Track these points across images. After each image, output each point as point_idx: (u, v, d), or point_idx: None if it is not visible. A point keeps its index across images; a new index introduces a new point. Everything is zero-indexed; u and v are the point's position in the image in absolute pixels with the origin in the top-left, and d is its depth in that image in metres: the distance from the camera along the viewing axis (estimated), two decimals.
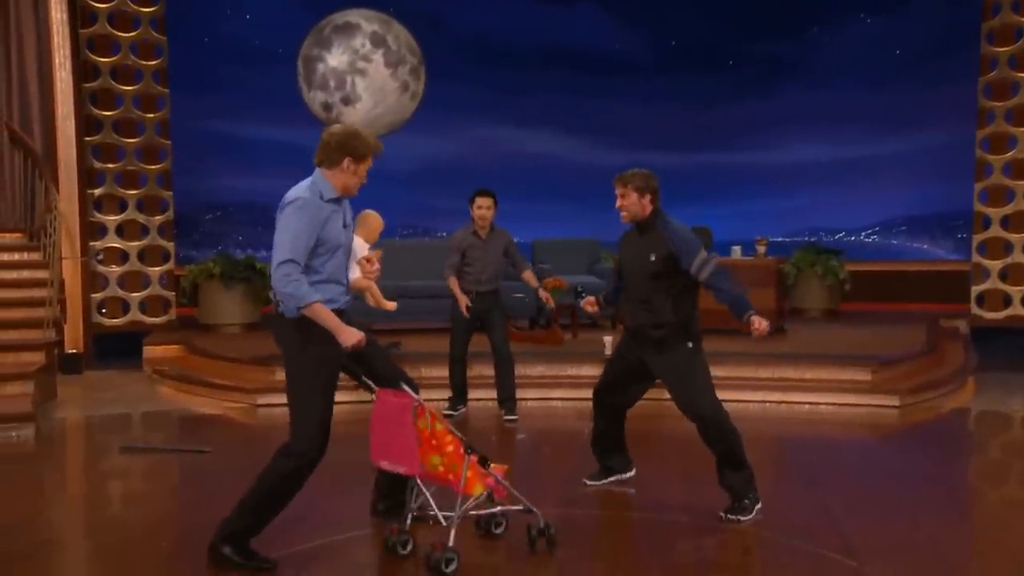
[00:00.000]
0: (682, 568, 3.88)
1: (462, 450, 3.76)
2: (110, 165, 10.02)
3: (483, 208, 6.68)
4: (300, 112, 7.49)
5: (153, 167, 10.21)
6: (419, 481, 3.87)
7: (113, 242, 10.04)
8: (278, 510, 3.80)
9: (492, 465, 3.85)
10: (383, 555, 3.96)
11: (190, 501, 5.06)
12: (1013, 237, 9.78)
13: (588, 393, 7.38)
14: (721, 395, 7.25)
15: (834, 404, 7.13)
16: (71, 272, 9.33)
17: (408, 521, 3.94)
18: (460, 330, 6.80)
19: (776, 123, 13.56)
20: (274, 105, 12.11)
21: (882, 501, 4.86)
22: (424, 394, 4.08)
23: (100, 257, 10.01)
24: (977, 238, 9.95)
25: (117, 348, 9.68)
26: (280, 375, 7.71)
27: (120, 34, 9.99)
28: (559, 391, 7.59)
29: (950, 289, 11.05)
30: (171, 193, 10.36)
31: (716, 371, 7.64)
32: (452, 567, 3.63)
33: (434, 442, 3.79)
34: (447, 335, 6.90)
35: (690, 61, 13.81)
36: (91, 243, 9.85)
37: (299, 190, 3.74)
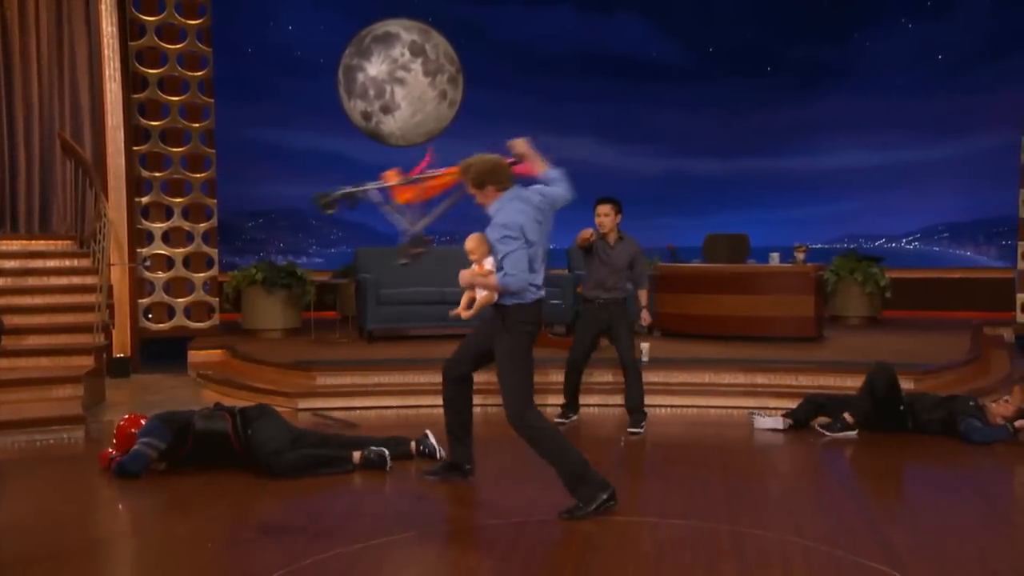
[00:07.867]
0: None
1: None
2: (157, 173, 10.25)
3: (600, 216, 6.79)
4: (340, 120, 7.62)
5: (198, 175, 10.44)
6: None
7: (159, 248, 10.26)
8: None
9: None
10: (451, 550, 4.11)
11: (236, 503, 5.13)
12: None
13: (619, 400, 7.47)
14: (760, 403, 7.36)
15: None
16: (119, 278, 9.52)
17: None
18: (582, 334, 6.94)
19: (816, 129, 13.42)
20: (316, 114, 12.27)
21: (927, 511, 4.79)
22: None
23: (147, 263, 10.21)
24: (1023, 245, 9.77)
25: (163, 352, 9.85)
26: (320, 379, 7.92)
27: (168, 46, 10.23)
28: (588, 397, 7.55)
29: (994, 297, 10.88)
30: (215, 201, 10.57)
31: (755, 379, 7.73)
32: None
33: None
34: None
35: (729, 67, 13.75)
36: (138, 249, 10.06)
37: None
